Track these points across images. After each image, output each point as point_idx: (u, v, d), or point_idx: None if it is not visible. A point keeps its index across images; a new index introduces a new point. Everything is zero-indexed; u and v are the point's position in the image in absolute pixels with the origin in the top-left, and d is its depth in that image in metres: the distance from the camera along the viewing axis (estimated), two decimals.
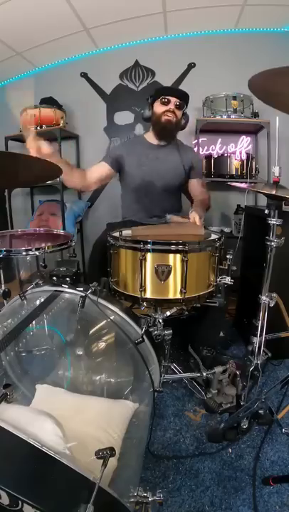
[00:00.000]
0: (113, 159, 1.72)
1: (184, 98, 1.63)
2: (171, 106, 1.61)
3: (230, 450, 1.19)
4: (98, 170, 1.71)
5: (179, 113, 1.64)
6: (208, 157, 2.52)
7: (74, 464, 0.50)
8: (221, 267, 1.24)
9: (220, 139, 2.57)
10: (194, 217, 1.41)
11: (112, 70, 2.77)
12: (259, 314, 1.15)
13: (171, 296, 1.14)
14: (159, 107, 1.64)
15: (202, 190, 1.77)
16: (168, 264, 1.10)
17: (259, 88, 0.91)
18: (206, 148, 2.61)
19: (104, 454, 0.59)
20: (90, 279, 1.09)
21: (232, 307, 2.13)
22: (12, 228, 2.76)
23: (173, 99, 1.60)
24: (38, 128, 2.52)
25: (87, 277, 1.37)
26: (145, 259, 1.10)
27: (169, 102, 1.61)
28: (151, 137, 1.74)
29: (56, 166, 1.07)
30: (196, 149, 2.43)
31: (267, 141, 2.43)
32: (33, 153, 1.32)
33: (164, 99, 1.61)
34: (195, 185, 1.78)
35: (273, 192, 1.01)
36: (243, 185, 1.33)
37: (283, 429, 1.20)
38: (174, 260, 1.10)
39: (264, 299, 1.14)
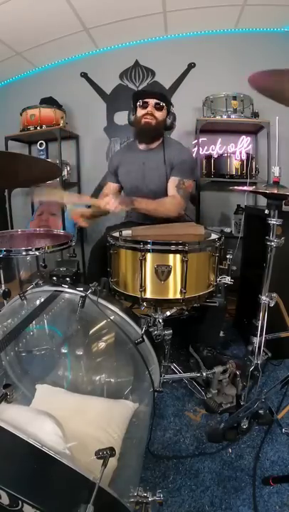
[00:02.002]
0: (113, 174, 1.75)
1: (162, 98, 1.62)
2: (150, 108, 1.59)
3: (230, 450, 1.19)
4: (108, 190, 1.77)
5: (159, 114, 1.61)
6: (208, 157, 2.52)
7: (74, 464, 0.50)
8: (221, 266, 1.24)
9: (220, 139, 2.57)
10: (108, 199, 1.37)
11: (112, 70, 2.77)
12: (259, 314, 1.15)
13: (171, 296, 1.14)
14: (139, 111, 1.64)
15: (173, 193, 1.57)
16: (168, 264, 1.10)
17: (259, 84, 0.91)
18: (206, 148, 2.61)
19: (104, 454, 0.59)
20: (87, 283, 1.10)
21: (232, 307, 2.13)
22: (12, 228, 2.76)
23: (151, 101, 1.59)
24: (38, 128, 2.53)
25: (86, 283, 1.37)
26: (145, 260, 1.10)
27: (147, 104, 1.60)
28: (135, 137, 1.76)
29: (56, 166, 1.07)
30: (195, 149, 2.43)
31: (267, 141, 2.43)
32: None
33: (142, 102, 1.60)
34: (168, 185, 1.60)
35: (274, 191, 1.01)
36: (245, 188, 1.33)
37: (283, 429, 1.20)
38: (174, 260, 1.10)
39: (264, 299, 1.14)
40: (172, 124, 1.70)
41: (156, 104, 1.60)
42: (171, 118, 1.66)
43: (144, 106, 1.61)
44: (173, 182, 1.60)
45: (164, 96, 1.64)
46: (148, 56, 2.72)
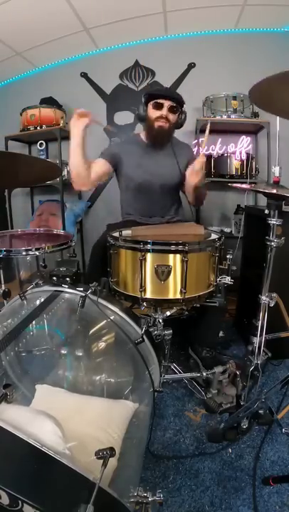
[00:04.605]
0: (110, 156, 1.69)
1: (178, 101, 1.57)
2: (164, 111, 1.54)
3: (230, 450, 1.19)
4: (96, 166, 1.68)
5: (172, 117, 1.57)
6: (208, 157, 2.52)
7: (74, 464, 0.50)
8: (221, 266, 1.24)
9: (220, 139, 2.57)
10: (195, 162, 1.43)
11: (112, 70, 2.77)
12: (259, 314, 1.15)
13: (171, 296, 1.14)
14: (152, 111, 1.57)
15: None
16: (168, 264, 1.10)
17: (260, 97, 0.91)
18: (206, 148, 2.61)
19: (105, 454, 0.59)
20: (89, 281, 1.10)
21: (232, 307, 2.13)
22: (12, 228, 2.76)
23: (166, 103, 1.53)
24: (38, 128, 2.53)
25: (87, 279, 1.36)
26: (145, 260, 1.10)
27: (162, 106, 1.53)
28: (146, 137, 1.71)
29: (56, 166, 1.06)
30: (195, 149, 2.43)
31: (267, 141, 2.43)
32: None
33: (157, 103, 1.54)
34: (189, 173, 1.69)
35: (274, 191, 1.01)
36: (244, 185, 1.33)
37: (283, 429, 1.20)
38: (174, 260, 1.10)
39: (264, 299, 1.14)
40: (183, 122, 1.65)
41: (171, 106, 1.54)
42: (182, 117, 1.62)
43: (159, 107, 1.54)
44: (190, 169, 1.68)
45: (179, 100, 1.58)
46: (148, 56, 2.72)
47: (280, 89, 0.83)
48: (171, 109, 1.55)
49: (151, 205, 1.71)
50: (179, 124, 1.65)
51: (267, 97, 0.89)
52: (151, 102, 1.57)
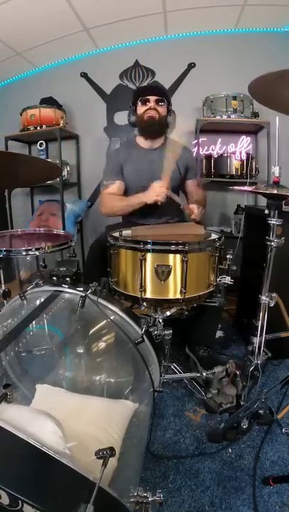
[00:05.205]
0: (118, 173, 1.72)
1: (163, 95, 1.65)
2: (152, 103, 1.62)
3: (230, 450, 1.19)
4: (118, 190, 1.72)
5: (161, 109, 1.63)
6: (208, 157, 2.52)
7: (74, 464, 0.50)
8: (221, 266, 1.24)
9: (220, 139, 2.57)
10: (193, 207, 1.43)
11: (112, 70, 2.78)
12: (259, 314, 1.15)
13: (171, 296, 1.14)
14: (140, 108, 1.65)
15: (198, 191, 1.77)
16: (168, 264, 1.10)
17: (259, 92, 0.92)
18: (206, 148, 2.61)
19: (104, 454, 0.58)
20: (86, 281, 1.10)
21: (232, 307, 2.13)
22: (12, 228, 2.76)
23: (152, 97, 1.62)
24: (38, 128, 2.53)
25: (84, 278, 1.37)
26: (145, 259, 1.10)
27: (148, 101, 1.62)
28: (142, 141, 1.74)
29: (56, 166, 1.06)
30: (195, 149, 2.43)
31: (267, 141, 2.43)
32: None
33: (143, 99, 1.63)
34: (191, 186, 1.78)
35: (275, 191, 1.01)
36: (245, 188, 1.33)
37: (283, 429, 1.20)
38: (174, 260, 1.10)
39: (264, 299, 1.14)
40: (173, 122, 1.68)
41: (157, 100, 1.62)
42: (171, 116, 1.68)
43: (146, 102, 1.63)
44: (193, 183, 1.78)
45: (164, 92, 1.67)
46: (148, 56, 2.72)
47: (279, 85, 0.83)
48: (157, 102, 1.63)
49: (150, 209, 1.71)
50: (169, 123, 1.69)
51: (266, 92, 0.89)
52: (138, 101, 1.65)
